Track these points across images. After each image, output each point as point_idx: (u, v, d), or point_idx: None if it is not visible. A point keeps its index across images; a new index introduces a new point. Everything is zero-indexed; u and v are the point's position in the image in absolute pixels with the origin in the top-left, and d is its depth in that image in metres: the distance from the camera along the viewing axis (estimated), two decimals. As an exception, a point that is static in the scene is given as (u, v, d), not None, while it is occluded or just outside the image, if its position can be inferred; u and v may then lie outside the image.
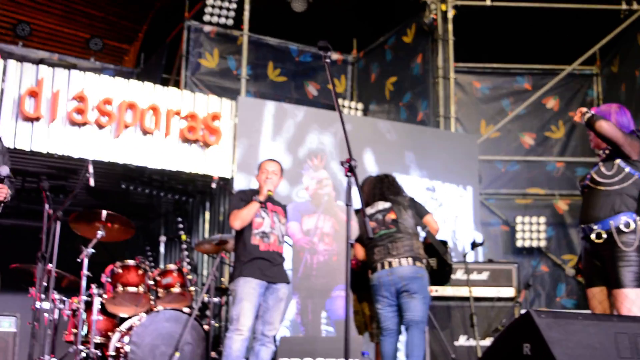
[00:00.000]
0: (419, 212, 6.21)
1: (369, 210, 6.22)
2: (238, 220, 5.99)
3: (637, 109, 9.57)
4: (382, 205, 6.20)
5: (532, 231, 10.51)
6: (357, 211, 6.21)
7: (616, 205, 4.78)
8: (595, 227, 4.82)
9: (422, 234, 6.21)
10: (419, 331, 5.84)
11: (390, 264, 5.92)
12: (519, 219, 10.52)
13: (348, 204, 3.89)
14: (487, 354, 3.42)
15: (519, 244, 10.48)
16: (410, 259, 5.91)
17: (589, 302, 4.91)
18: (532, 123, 11.08)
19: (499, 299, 7.56)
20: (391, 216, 6.10)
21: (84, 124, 8.04)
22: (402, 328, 6.02)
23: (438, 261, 6.17)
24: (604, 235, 4.76)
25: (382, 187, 6.34)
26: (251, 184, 8.30)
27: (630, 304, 4.49)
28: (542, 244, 10.45)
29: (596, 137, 4.97)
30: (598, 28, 10.67)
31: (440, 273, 6.21)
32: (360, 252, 6.27)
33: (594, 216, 4.85)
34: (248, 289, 5.91)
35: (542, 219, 10.51)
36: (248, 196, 6.15)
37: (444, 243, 6.28)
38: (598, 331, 3.18)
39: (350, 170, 3.96)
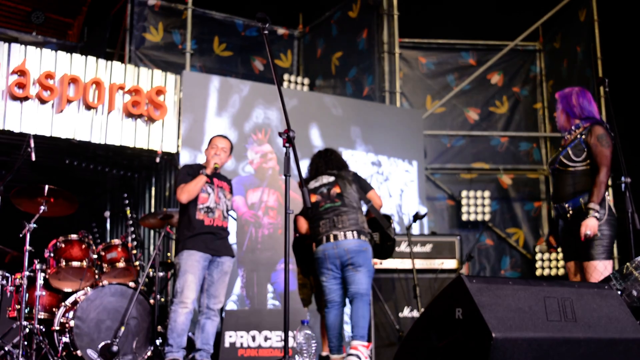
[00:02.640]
0: (363, 187, 6.27)
1: (313, 184, 6.26)
2: (185, 193, 6.03)
3: (578, 84, 9.70)
4: (327, 179, 6.25)
5: (477, 205, 10.66)
6: (299, 183, 6.26)
7: (585, 184, 5.10)
8: (566, 205, 5.15)
9: (365, 208, 6.27)
10: (363, 303, 5.91)
11: (335, 237, 5.97)
12: (464, 193, 10.67)
13: (286, 174, 3.93)
14: (421, 318, 3.50)
15: (464, 217, 10.63)
16: (355, 233, 5.97)
17: (568, 276, 5.21)
18: (477, 98, 11.22)
19: (442, 271, 7.68)
20: (336, 190, 6.15)
21: (25, 98, 7.92)
22: (347, 300, 6.10)
23: (381, 235, 6.25)
24: (575, 212, 5.06)
25: (325, 161, 6.39)
26: (197, 159, 8.29)
27: (598, 275, 4.89)
28: (487, 217, 10.62)
29: (561, 118, 5.26)
30: (541, 4, 10.84)
31: (383, 247, 6.28)
32: (303, 225, 6.32)
33: (565, 195, 5.18)
34: (192, 262, 5.95)
35: (487, 193, 10.67)
36: (195, 170, 6.18)
37: (388, 217, 6.34)
38: (528, 295, 3.27)
39: (288, 140, 4.00)
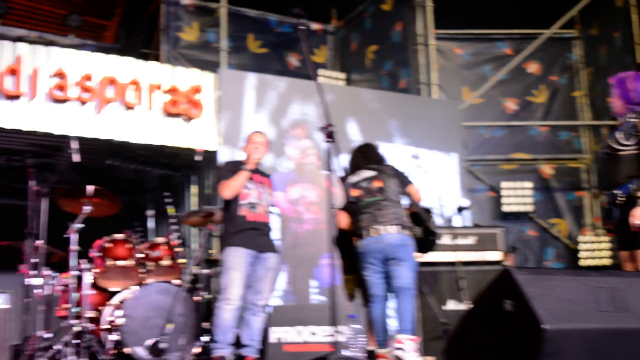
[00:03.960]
0: (403, 181, 6.23)
1: (353, 179, 6.24)
2: (228, 189, 6.05)
3: (616, 71, 9.57)
4: (367, 173, 6.22)
5: (518, 196, 10.55)
6: (340, 178, 6.27)
7: (635, 169, 4.94)
8: (616, 192, 5.00)
9: (406, 202, 6.25)
10: (408, 297, 5.88)
11: (377, 231, 5.95)
12: (504, 184, 10.57)
13: (329, 169, 3.93)
14: (469, 311, 3.49)
15: (505, 209, 10.53)
16: (397, 226, 5.94)
17: (621, 265, 5.08)
18: (514, 88, 11.11)
19: (486, 263, 7.63)
20: (377, 184, 6.12)
21: (66, 100, 8.00)
22: (391, 295, 6.08)
23: (423, 229, 6.21)
24: (627, 199, 4.91)
25: (364, 156, 6.37)
26: (236, 156, 8.32)
27: None
28: (529, 208, 10.52)
29: (617, 103, 5.13)
30: (577, -10, 10.71)
31: (425, 241, 6.23)
32: (344, 220, 6.29)
33: (615, 182, 5.03)
34: (236, 258, 5.97)
35: (528, 184, 10.56)
36: (235, 167, 6.20)
37: (428, 211, 6.31)
38: (577, 286, 3.25)
39: (329, 136, 4.00)
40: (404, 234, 5.95)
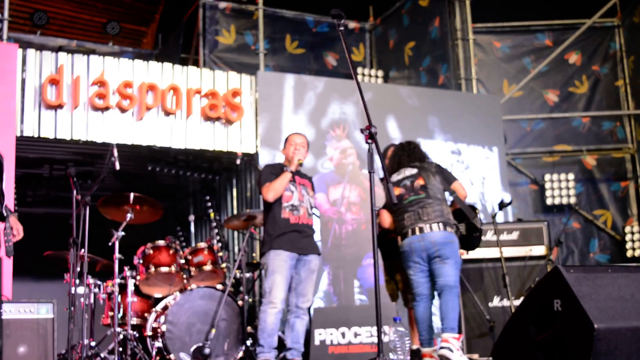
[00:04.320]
0: (447, 178, 6.19)
1: (395, 177, 6.19)
2: (271, 191, 6.04)
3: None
4: (409, 171, 6.18)
5: (561, 188, 10.43)
6: (382, 178, 6.22)
7: None
8: None
9: (450, 199, 6.18)
10: (452, 295, 5.83)
11: (421, 229, 5.90)
12: (547, 176, 10.45)
13: (370, 171, 3.89)
14: (518, 311, 3.42)
15: (549, 202, 10.41)
16: (441, 224, 5.89)
17: None
18: (555, 79, 10.95)
19: (531, 258, 7.53)
20: (420, 182, 6.07)
21: (106, 108, 8.07)
22: (435, 293, 6.02)
23: (467, 226, 6.13)
24: None
25: (407, 154, 6.32)
26: (275, 158, 8.31)
27: None
28: (572, 200, 10.37)
29: None
30: (617, -22, 10.52)
31: (470, 238, 6.16)
32: (386, 219, 6.25)
33: None
34: (279, 262, 5.97)
35: (571, 176, 10.43)
36: (277, 169, 6.20)
37: (473, 208, 6.22)
38: (628, 283, 3.17)
39: (371, 137, 3.95)
40: (447, 231, 5.90)
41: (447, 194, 6.14)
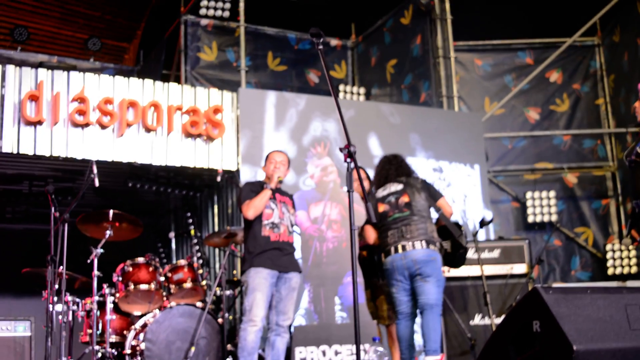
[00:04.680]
0: (433, 194, 6.16)
1: (381, 192, 6.18)
2: (252, 209, 6.02)
3: (640, 77, 9.52)
4: (395, 187, 6.16)
5: (542, 206, 10.46)
6: (368, 192, 6.21)
7: None
8: None
9: (435, 216, 6.16)
10: (434, 315, 5.80)
11: (404, 247, 5.88)
12: (528, 194, 10.48)
13: (349, 190, 3.87)
14: (497, 332, 3.41)
15: (530, 219, 10.43)
16: (424, 242, 5.87)
17: None
18: (537, 97, 11.01)
19: (512, 276, 7.54)
20: (404, 199, 6.05)
21: (86, 124, 8.02)
22: (418, 312, 6.00)
23: (452, 243, 6.11)
24: None
25: (391, 168, 6.29)
26: (257, 176, 8.29)
27: None
28: (554, 218, 10.40)
29: None
30: (597, -2, 10.62)
31: (454, 256, 6.14)
32: (371, 235, 6.22)
33: None
34: (259, 279, 5.93)
35: (552, 193, 10.47)
36: (257, 187, 6.18)
37: (458, 225, 6.20)
38: (608, 304, 3.16)
39: (350, 156, 3.94)
40: (430, 249, 5.88)
41: (433, 210, 6.12)
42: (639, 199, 4.97)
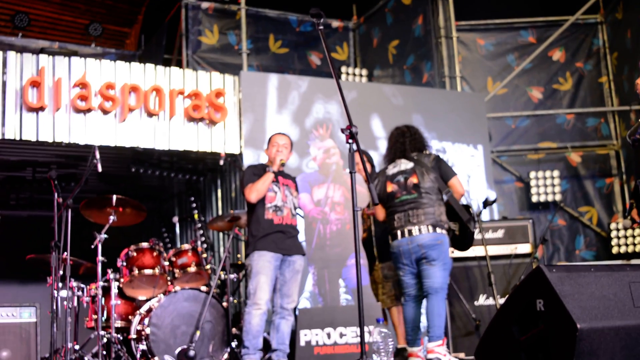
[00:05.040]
0: (444, 174, 5.96)
1: (391, 169, 6.03)
2: (254, 192, 6.01)
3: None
4: (405, 164, 5.98)
5: (546, 185, 10.43)
6: (374, 174, 6.17)
7: None
8: None
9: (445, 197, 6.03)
10: (438, 299, 5.73)
11: (410, 232, 5.78)
12: (532, 174, 10.44)
13: (351, 171, 3.86)
14: (501, 311, 3.40)
15: (534, 199, 10.40)
16: (430, 227, 5.75)
17: None
18: (539, 76, 10.96)
19: (516, 256, 7.53)
20: (413, 180, 5.89)
21: (88, 110, 8.02)
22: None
23: (460, 226, 6.02)
24: None
25: (405, 142, 6.09)
26: (260, 159, 8.28)
27: None
28: (558, 197, 10.38)
29: None
30: (600, -25, 10.54)
31: (462, 239, 6.02)
32: (381, 214, 6.13)
33: None
34: (263, 263, 5.94)
35: (556, 173, 10.43)
36: (260, 170, 6.18)
37: (467, 208, 6.02)
38: (611, 282, 3.15)
39: (351, 136, 3.92)
40: (437, 232, 5.77)
41: (443, 191, 5.96)
42: None
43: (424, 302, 5.89)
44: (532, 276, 3.18)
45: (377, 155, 8.00)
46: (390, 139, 6.25)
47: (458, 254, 7.07)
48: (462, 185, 6.03)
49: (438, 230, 5.78)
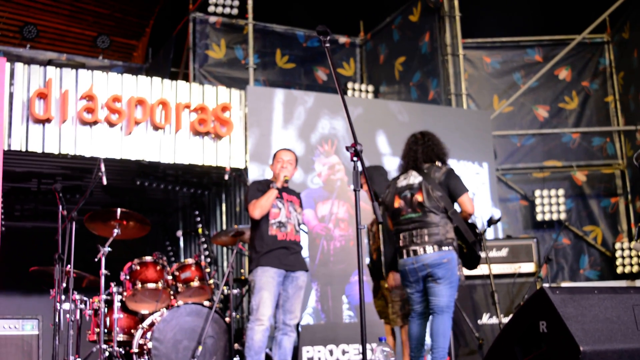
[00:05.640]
0: (454, 190, 5.81)
1: (401, 182, 5.93)
2: (258, 209, 6.01)
3: (650, 75, 9.48)
4: (414, 178, 5.87)
5: (551, 204, 10.41)
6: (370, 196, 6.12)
7: None
8: None
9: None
10: (444, 319, 5.66)
11: (415, 252, 5.71)
12: (537, 192, 10.43)
13: (356, 189, 3.85)
14: (504, 332, 3.39)
15: (539, 217, 10.39)
16: (435, 246, 5.66)
17: None
18: (545, 95, 10.97)
19: (520, 275, 7.51)
20: (418, 198, 5.78)
21: (95, 122, 8.03)
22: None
23: (467, 246, 5.89)
24: None
25: (417, 150, 5.97)
26: (265, 174, 8.28)
27: None
28: (563, 216, 10.36)
29: None
30: (607, -5, 10.56)
31: (470, 258, 5.90)
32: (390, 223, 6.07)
33: None
34: (266, 279, 5.93)
35: (561, 191, 10.42)
36: (264, 186, 6.17)
37: (474, 229, 5.88)
38: (615, 304, 3.13)
39: (356, 154, 3.91)
40: (443, 250, 5.67)
41: (450, 207, 5.81)
42: None
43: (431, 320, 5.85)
44: (535, 297, 3.17)
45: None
46: (405, 147, 6.12)
47: (463, 271, 7.04)
48: (472, 203, 5.88)
49: (444, 248, 5.69)
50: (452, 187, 5.83)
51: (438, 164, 5.97)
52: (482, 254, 7.03)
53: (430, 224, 5.74)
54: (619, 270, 10.32)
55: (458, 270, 5.77)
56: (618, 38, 10.97)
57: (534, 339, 3.15)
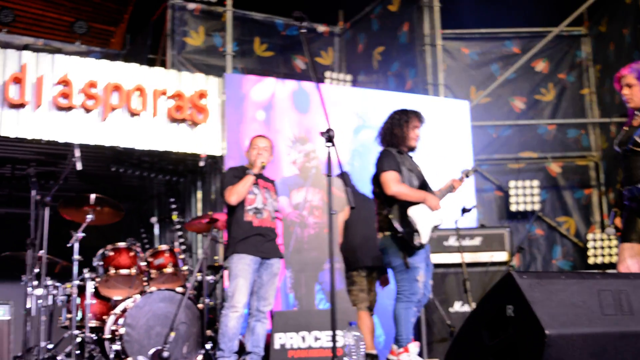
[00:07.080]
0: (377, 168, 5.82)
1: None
2: (234, 195, 6.00)
3: (625, 68, 9.51)
4: None
5: (525, 195, 10.47)
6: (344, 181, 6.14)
7: None
8: None
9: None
10: (398, 305, 5.57)
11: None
12: (512, 183, 10.49)
13: (328, 174, 3.87)
14: (471, 316, 3.42)
15: (513, 208, 10.45)
16: (380, 233, 5.74)
17: (619, 255, 4.94)
18: (522, 87, 11.03)
19: (492, 264, 7.56)
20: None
21: (70, 108, 7.97)
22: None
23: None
24: None
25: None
26: (241, 161, 8.26)
27: None
28: (537, 207, 10.42)
29: (638, 95, 4.98)
30: (585, -12, 10.60)
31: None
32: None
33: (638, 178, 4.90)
34: (242, 266, 5.92)
35: (536, 182, 10.48)
36: (240, 172, 6.16)
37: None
38: (581, 289, 3.17)
39: (329, 140, 3.93)
40: (381, 237, 5.73)
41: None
42: (632, 186, 4.91)
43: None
44: (503, 282, 3.20)
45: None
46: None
47: (434, 259, 7.08)
48: (389, 182, 5.68)
49: (382, 233, 5.71)
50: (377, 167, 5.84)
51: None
52: (455, 242, 7.11)
53: (379, 209, 5.80)
54: (591, 260, 10.41)
55: (400, 256, 5.61)
56: (595, 31, 11.04)
57: (501, 323, 3.18)
